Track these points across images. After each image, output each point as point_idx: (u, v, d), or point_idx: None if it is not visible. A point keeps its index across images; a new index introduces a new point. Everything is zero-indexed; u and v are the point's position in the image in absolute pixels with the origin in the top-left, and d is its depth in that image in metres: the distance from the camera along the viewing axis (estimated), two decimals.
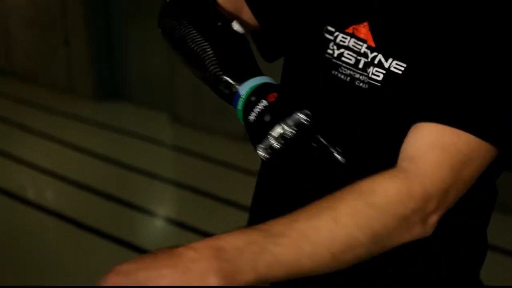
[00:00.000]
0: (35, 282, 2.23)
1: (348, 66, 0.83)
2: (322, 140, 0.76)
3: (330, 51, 0.84)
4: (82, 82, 4.60)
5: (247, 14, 0.91)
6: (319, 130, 0.76)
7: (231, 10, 0.90)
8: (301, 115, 0.74)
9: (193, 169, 3.41)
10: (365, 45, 0.83)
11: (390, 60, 0.80)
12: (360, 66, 0.82)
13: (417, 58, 0.79)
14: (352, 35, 0.84)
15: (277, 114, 0.74)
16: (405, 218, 0.70)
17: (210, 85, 0.83)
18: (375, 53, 0.81)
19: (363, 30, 0.84)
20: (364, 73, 0.82)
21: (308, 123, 0.74)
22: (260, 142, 0.74)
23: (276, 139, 0.74)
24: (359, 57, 0.83)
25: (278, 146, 0.74)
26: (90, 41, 4.46)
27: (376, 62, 0.81)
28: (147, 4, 4.24)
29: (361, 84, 0.82)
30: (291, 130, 0.73)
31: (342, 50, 0.84)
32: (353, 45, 0.84)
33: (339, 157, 0.76)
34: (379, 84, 0.80)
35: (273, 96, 0.75)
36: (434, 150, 0.72)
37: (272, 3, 0.91)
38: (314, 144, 0.76)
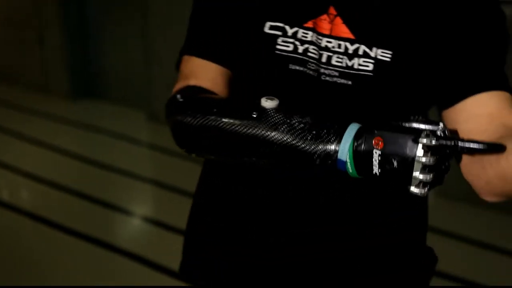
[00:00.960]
0: (10, 282, 2.21)
1: (313, 61, 0.83)
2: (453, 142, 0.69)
3: (282, 47, 0.84)
4: (57, 81, 4.55)
5: (223, 77, 0.89)
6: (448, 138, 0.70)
7: (216, 86, 0.87)
8: (424, 140, 0.67)
9: (171, 167, 3.39)
10: (327, 40, 0.84)
11: (374, 49, 0.82)
12: (324, 60, 0.83)
13: (401, 43, 0.82)
14: (313, 30, 0.84)
15: (403, 151, 0.68)
16: None
17: (290, 164, 0.77)
18: (356, 45, 0.83)
19: (325, 23, 0.84)
20: (329, 67, 0.83)
21: (438, 140, 0.68)
22: (410, 184, 0.69)
23: (423, 173, 0.68)
24: (321, 52, 0.83)
25: (430, 178, 0.68)
26: (64, 39, 4.41)
27: (360, 53, 0.82)
28: (122, 3, 4.21)
29: (327, 78, 0.83)
30: (429, 160, 0.68)
31: (306, 45, 0.83)
32: (316, 40, 0.84)
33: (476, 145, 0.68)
34: (371, 74, 0.82)
35: (377, 140, 0.70)
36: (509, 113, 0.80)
37: (224, 41, 0.88)
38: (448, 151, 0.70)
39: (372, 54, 0.82)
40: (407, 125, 0.70)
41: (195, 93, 0.85)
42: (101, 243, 2.51)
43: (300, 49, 0.83)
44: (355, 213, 0.92)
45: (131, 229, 2.83)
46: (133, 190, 3.17)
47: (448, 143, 0.67)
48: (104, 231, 2.64)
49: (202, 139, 0.80)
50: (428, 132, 0.67)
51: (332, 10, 0.84)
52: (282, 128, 0.74)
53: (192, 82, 0.86)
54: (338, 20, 0.84)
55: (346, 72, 0.83)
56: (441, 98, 0.84)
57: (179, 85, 0.87)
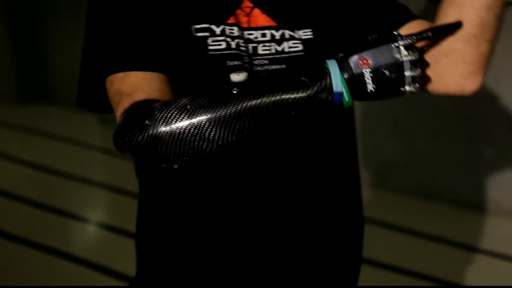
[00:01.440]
0: None
1: (245, 54, 0.86)
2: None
3: (215, 46, 0.84)
4: (5, 85, 4.43)
5: (168, 85, 0.85)
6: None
7: (166, 96, 0.82)
8: (399, 41, 0.76)
9: (124, 171, 3.36)
10: (248, 32, 0.87)
11: (297, 31, 0.88)
12: (251, 51, 0.86)
13: (316, 18, 0.89)
14: (236, 25, 0.86)
15: (390, 60, 0.75)
16: None
17: (301, 109, 0.78)
18: (281, 31, 0.88)
19: (242, 17, 0.87)
20: (258, 57, 0.86)
21: (414, 36, 0.78)
22: (403, 85, 0.76)
23: (411, 70, 0.75)
24: (247, 44, 0.86)
25: (419, 72, 0.77)
26: (10, 41, 4.30)
27: (287, 37, 0.87)
28: (68, 3, 4.13)
29: (258, 68, 0.86)
30: (413, 56, 0.76)
31: (236, 40, 0.86)
32: (241, 34, 0.86)
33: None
34: (302, 53, 0.87)
35: (362, 61, 0.75)
36: None
37: (159, 50, 0.85)
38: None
39: (297, 35, 0.88)
40: (373, 38, 0.77)
41: (150, 105, 0.77)
42: (54, 251, 2.47)
43: (233, 44, 0.85)
44: (313, 202, 0.96)
45: (85, 235, 2.79)
46: (86, 195, 3.13)
47: (424, 34, 0.78)
48: (57, 238, 2.59)
49: (195, 140, 0.74)
50: (402, 35, 0.76)
51: (248, 3, 0.88)
52: (272, 88, 0.75)
53: (139, 97, 0.79)
54: (257, 11, 0.88)
55: (278, 58, 0.87)
56: None
57: (124, 105, 0.79)
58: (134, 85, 0.81)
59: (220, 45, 0.85)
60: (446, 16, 0.84)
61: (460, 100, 2.70)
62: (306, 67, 0.78)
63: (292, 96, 0.75)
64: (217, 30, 0.85)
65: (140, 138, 0.74)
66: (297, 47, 0.88)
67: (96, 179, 3.26)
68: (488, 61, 0.87)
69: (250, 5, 0.88)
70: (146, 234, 1.02)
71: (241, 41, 0.86)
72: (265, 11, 0.88)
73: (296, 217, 0.96)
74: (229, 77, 0.77)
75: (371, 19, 0.91)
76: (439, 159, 2.83)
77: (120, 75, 0.82)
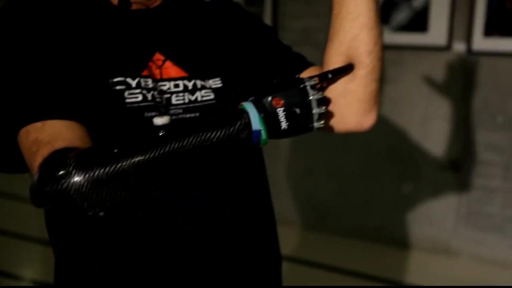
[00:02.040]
0: None
1: (161, 105, 0.88)
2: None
3: (131, 99, 0.85)
4: None
5: (88, 134, 0.82)
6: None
7: (87, 144, 0.80)
8: (306, 82, 0.82)
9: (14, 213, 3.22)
10: (161, 83, 0.89)
11: (207, 80, 0.92)
12: (165, 102, 0.88)
13: (224, 67, 0.95)
14: (150, 77, 0.88)
15: (299, 99, 0.81)
16: None
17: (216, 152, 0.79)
18: (193, 81, 0.92)
19: (154, 69, 0.89)
20: (172, 107, 0.89)
21: (318, 78, 0.85)
22: (312, 124, 0.82)
23: (318, 108, 0.82)
24: (162, 95, 0.88)
25: (325, 109, 0.83)
26: None
27: (199, 86, 0.92)
28: None
29: (173, 117, 0.88)
30: (319, 95, 0.82)
31: (152, 92, 0.87)
32: (155, 85, 0.89)
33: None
34: (214, 101, 0.92)
35: (276, 101, 0.80)
36: None
37: (78, 101, 0.83)
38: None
39: (208, 85, 0.92)
40: (279, 81, 0.84)
41: (71, 153, 0.74)
42: None
43: (149, 96, 0.87)
44: (236, 241, 0.97)
45: None
46: (19, 251, 2.97)
47: (325, 76, 0.87)
48: None
49: (118, 187, 0.71)
50: (306, 78, 0.83)
51: (160, 56, 0.91)
52: (196, 129, 0.77)
53: (60, 144, 0.76)
54: (169, 63, 0.91)
55: (191, 107, 0.90)
56: None
57: (43, 153, 0.75)
58: (54, 133, 0.77)
59: (136, 97, 0.85)
60: (336, 63, 0.93)
61: (391, 142, 2.78)
62: (220, 113, 0.83)
63: (215, 135, 0.77)
64: (133, 83, 0.86)
65: (58, 189, 0.70)
66: (209, 95, 0.92)
67: (28, 233, 3.11)
68: (378, 99, 0.97)
69: (162, 57, 0.91)
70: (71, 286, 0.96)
71: (155, 92, 0.88)
72: (176, 63, 0.91)
73: (230, 254, 0.96)
74: (150, 123, 0.77)
75: (273, 67, 0.99)
76: (374, 200, 2.89)
77: (38, 124, 0.78)
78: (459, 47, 2.51)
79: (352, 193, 2.95)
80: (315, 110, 0.81)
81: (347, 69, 0.92)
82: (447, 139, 2.67)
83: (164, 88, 0.89)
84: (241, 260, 0.99)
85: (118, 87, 0.85)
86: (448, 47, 2.51)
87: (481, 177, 2.64)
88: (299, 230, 3.08)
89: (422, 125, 2.70)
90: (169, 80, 0.90)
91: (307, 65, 1.02)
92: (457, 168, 2.68)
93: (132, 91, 0.85)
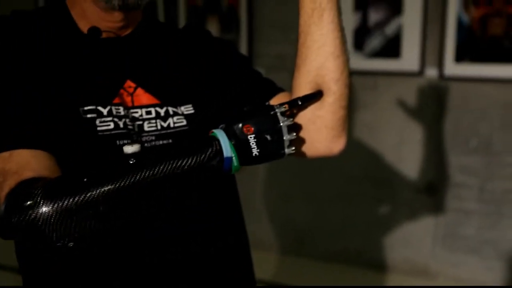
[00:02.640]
0: None
1: (133, 132, 0.88)
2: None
3: (103, 127, 0.85)
4: None
5: (57, 164, 0.82)
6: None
7: (56, 174, 0.79)
8: (276, 109, 0.83)
9: None
10: (133, 111, 0.90)
11: (179, 107, 0.93)
12: (137, 129, 0.89)
13: (195, 94, 0.95)
14: (121, 104, 0.89)
15: (270, 126, 0.82)
16: None
17: (189, 180, 0.79)
18: (165, 108, 0.92)
19: (126, 97, 0.90)
20: (145, 134, 0.89)
21: (288, 105, 0.86)
22: (283, 150, 0.83)
23: (289, 135, 0.83)
24: (134, 122, 0.89)
25: (294, 136, 0.84)
26: None
27: (171, 113, 0.92)
28: None
29: (146, 144, 0.88)
30: (289, 121, 0.83)
31: (124, 119, 0.88)
32: (127, 113, 0.89)
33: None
34: (187, 127, 0.92)
35: (246, 128, 0.81)
36: None
37: (49, 130, 0.83)
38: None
39: (180, 111, 0.93)
40: (250, 108, 0.85)
41: (38, 182, 0.73)
42: None
43: (121, 124, 0.87)
44: (208, 269, 0.97)
45: None
46: None
47: (295, 103, 0.88)
48: None
49: (87, 217, 0.70)
50: (276, 105, 0.84)
51: (131, 83, 0.91)
52: (167, 157, 0.77)
53: (27, 175, 0.74)
54: (140, 90, 0.91)
55: (164, 133, 0.90)
56: None
57: (10, 184, 0.73)
58: (21, 163, 0.76)
59: (108, 125, 0.86)
60: (304, 90, 0.94)
61: (367, 165, 2.81)
62: (192, 139, 0.83)
63: (186, 163, 0.76)
64: (104, 111, 0.87)
65: (26, 219, 0.69)
66: (181, 122, 0.92)
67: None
68: (346, 125, 0.98)
69: (133, 85, 0.91)
70: None
71: (127, 120, 0.88)
72: (148, 90, 0.91)
73: (202, 283, 0.97)
74: (122, 151, 0.76)
75: (243, 93, 1.00)
76: (352, 223, 2.91)
77: (5, 154, 0.77)
78: (431, 72, 2.57)
79: (330, 217, 2.96)
80: (286, 137, 0.82)
81: (316, 96, 0.93)
82: (422, 163, 2.71)
83: (136, 115, 0.90)
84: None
85: (89, 115, 0.85)
86: (420, 72, 2.57)
87: (456, 199, 2.68)
88: (278, 254, 3.07)
89: (397, 149, 2.74)
90: (141, 107, 0.90)
91: (276, 91, 1.03)
92: (433, 191, 2.72)
93: (103, 119, 0.86)
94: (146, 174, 0.73)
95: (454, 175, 2.66)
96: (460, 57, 2.47)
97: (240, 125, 0.80)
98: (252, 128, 0.80)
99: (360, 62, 2.66)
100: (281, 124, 0.82)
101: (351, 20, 2.64)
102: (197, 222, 0.95)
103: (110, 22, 0.90)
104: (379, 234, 2.88)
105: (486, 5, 2.40)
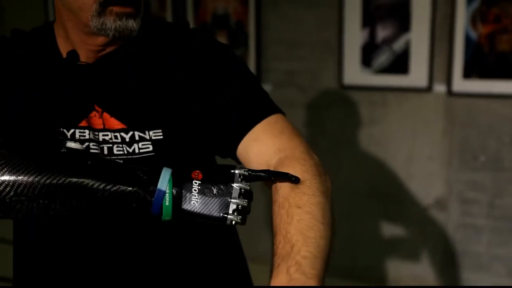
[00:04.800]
0: None
1: (99, 155, 0.88)
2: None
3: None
4: None
5: None
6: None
7: None
8: (237, 170, 0.75)
9: None
10: (103, 133, 0.89)
11: (147, 132, 0.90)
12: (106, 152, 0.89)
13: (166, 119, 0.91)
14: (88, 128, 0.89)
15: (222, 180, 0.74)
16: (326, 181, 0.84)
17: (100, 208, 0.73)
18: (131, 132, 0.90)
19: (96, 119, 0.90)
20: (113, 157, 0.87)
21: (244, 170, 0.76)
22: (226, 211, 0.73)
23: (239, 199, 0.74)
24: (101, 145, 0.89)
25: (246, 203, 0.74)
26: None
27: (137, 138, 0.90)
28: None
29: None
30: (245, 186, 0.74)
31: (86, 143, 0.88)
32: (93, 136, 0.89)
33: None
34: (153, 153, 0.89)
35: (195, 173, 0.73)
36: (280, 137, 0.87)
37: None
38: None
39: (147, 136, 0.90)
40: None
41: None
42: None
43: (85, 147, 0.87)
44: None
45: None
46: None
47: (259, 174, 0.77)
48: None
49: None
50: (240, 166, 0.76)
51: (98, 107, 0.91)
52: (102, 167, 0.72)
53: None
54: (106, 115, 0.91)
55: (130, 158, 0.89)
56: (222, 147, 0.93)
57: None
58: None
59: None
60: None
61: (377, 181, 2.81)
62: (158, 166, 0.77)
63: (107, 178, 0.71)
64: (68, 134, 0.89)
65: None
66: (147, 147, 0.90)
67: None
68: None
69: (100, 109, 0.91)
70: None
71: (92, 143, 0.88)
72: (113, 115, 0.91)
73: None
74: (65, 144, 0.74)
75: (219, 120, 0.92)
76: (360, 239, 2.89)
77: None
78: (439, 88, 2.57)
79: (338, 232, 2.95)
80: (234, 200, 0.74)
81: (289, 178, 0.79)
82: (431, 178, 2.70)
83: (107, 138, 0.90)
84: None
85: (56, 136, 0.88)
86: (429, 88, 2.58)
87: (466, 215, 2.67)
88: None
89: (406, 165, 2.73)
90: (110, 131, 0.90)
91: (260, 118, 0.91)
92: (442, 207, 2.71)
93: (65, 142, 0.85)
94: (64, 180, 0.70)
95: (463, 191, 2.65)
96: (468, 73, 2.48)
97: (191, 168, 0.74)
98: (201, 175, 0.74)
99: (368, 78, 2.67)
100: (234, 185, 0.74)
101: (359, 37, 2.65)
102: (181, 232, 0.95)
103: (91, 45, 0.91)
104: (387, 250, 2.87)
105: (494, 23, 2.41)
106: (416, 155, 2.70)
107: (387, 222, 2.84)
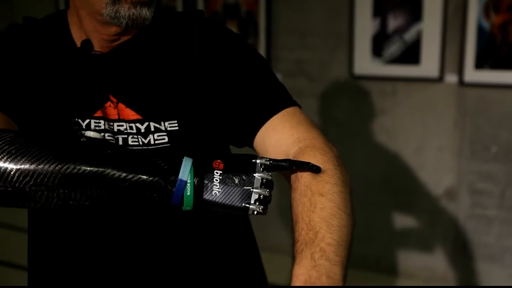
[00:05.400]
0: None
1: None
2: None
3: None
4: None
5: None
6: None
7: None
8: (258, 159, 0.74)
9: None
10: (117, 124, 0.89)
11: (163, 123, 0.90)
12: (121, 143, 0.89)
13: (182, 110, 0.90)
14: (103, 118, 0.90)
15: (243, 170, 0.73)
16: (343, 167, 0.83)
17: (124, 198, 0.72)
18: (146, 123, 0.89)
19: (111, 110, 0.90)
20: (129, 147, 0.86)
21: (265, 159, 0.75)
22: (248, 201, 0.72)
23: (261, 189, 0.73)
24: (116, 136, 0.89)
25: (267, 193, 0.74)
26: None
27: (152, 129, 0.90)
28: None
29: None
30: (267, 175, 0.74)
31: (101, 134, 0.88)
32: (108, 127, 0.90)
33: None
34: (168, 144, 0.89)
35: (216, 163, 0.73)
36: (298, 128, 0.87)
37: (15, 104, 0.87)
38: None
39: (163, 127, 0.90)
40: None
41: None
42: None
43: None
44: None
45: None
46: None
47: (281, 163, 0.76)
48: None
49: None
50: (261, 156, 0.75)
51: (113, 98, 0.91)
52: (125, 158, 0.71)
53: None
54: (122, 105, 0.91)
55: (145, 149, 0.89)
56: (239, 136, 0.92)
57: None
58: None
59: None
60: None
61: (387, 172, 2.80)
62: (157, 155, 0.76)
63: (127, 166, 0.71)
64: (83, 125, 0.89)
65: None
66: (163, 138, 0.89)
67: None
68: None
69: (115, 100, 0.91)
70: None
71: (107, 134, 0.89)
72: (128, 105, 0.90)
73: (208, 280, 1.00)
74: (83, 134, 0.74)
75: (237, 110, 0.91)
76: (371, 229, 2.90)
77: None
78: (451, 79, 2.56)
79: None
80: (256, 190, 0.73)
81: (309, 168, 0.79)
82: (442, 169, 2.69)
83: (121, 128, 0.90)
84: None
85: (72, 127, 0.88)
86: (440, 79, 2.56)
87: (477, 206, 2.66)
88: None
89: (417, 155, 2.73)
90: (125, 121, 0.90)
91: (279, 109, 0.91)
92: (453, 198, 2.70)
93: (82, 131, 0.87)
94: (80, 169, 0.69)
95: (474, 182, 2.64)
96: (480, 63, 2.46)
97: (213, 158, 0.74)
98: (222, 165, 0.73)
99: (379, 68, 2.65)
100: (255, 175, 0.73)
101: (369, 26, 2.63)
102: (197, 222, 0.96)
103: (104, 35, 0.90)
104: (398, 240, 2.87)
105: (507, 12, 2.39)
106: (427, 145, 2.69)
107: (398, 212, 2.84)
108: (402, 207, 2.82)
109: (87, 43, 0.91)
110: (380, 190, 2.83)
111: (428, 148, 2.69)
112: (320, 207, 0.74)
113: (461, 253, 2.73)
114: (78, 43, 0.92)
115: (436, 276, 2.79)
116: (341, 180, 0.79)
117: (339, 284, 0.67)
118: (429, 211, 2.75)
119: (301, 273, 0.68)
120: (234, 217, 1.00)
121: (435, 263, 2.80)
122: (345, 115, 2.82)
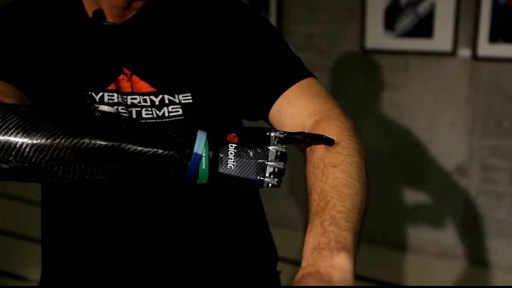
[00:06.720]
0: None
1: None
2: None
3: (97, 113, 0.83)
4: None
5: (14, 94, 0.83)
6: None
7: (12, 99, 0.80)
8: (272, 132, 0.74)
9: None
10: (131, 97, 0.89)
11: (177, 95, 0.89)
12: (134, 116, 0.89)
13: (196, 82, 0.90)
14: (116, 91, 0.89)
15: (257, 143, 0.73)
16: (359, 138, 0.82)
17: (140, 172, 0.72)
18: (160, 96, 0.89)
19: (124, 83, 0.89)
20: (142, 121, 0.82)
21: (280, 132, 0.75)
22: (263, 174, 0.73)
23: (276, 162, 0.73)
24: (130, 109, 0.88)
25: (282, 166, 0.74)
26: None
27: (167, 102, 0.89)
28: None
29: None
30: (281, 148, 0.74)
31: (115, 107, 0.88)
32: (122, 100, 0.89)
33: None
34: (182, 117, 0.89)
35: (231, 136, 0.73)
36: (314, 100, 0.87)
37: (25, 77, 0.87)
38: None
39: (177, 100, 0.89)
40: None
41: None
42: None
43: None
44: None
45: None
46: None
47: (295, 136, 0.76)
48: None
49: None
50: (274, 129, 0.75)
51: (126, 71, 0.90)
52: (143, 131, 0.71)
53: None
54: (135, 78, 0.90)
55: (159, 122, 0.89)
56: (254, 109, 0.92)
57: None
58: None
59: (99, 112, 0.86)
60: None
61: (397, 146, 2.79)
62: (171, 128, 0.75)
63: (151, 149, 0.70)
64: (97, 98, 0.88)
65: None
66: (177, 111, 0.89)
67: (31, 235, 3.13)
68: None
69: (128, 72, 0.90)
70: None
71: (120, 107, 0.88)
72: (143, 78, 0.89)
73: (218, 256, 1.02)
74: (97, 108, 0.73)
75: (252, 82, 0.91)
76: (380, 204, 2.90)
77: None
78: (464, 53, 2.52)
79: None
80: (271, 163, 0.73)
81: (324, 140, 0.79)
82: (453, 144, 2.68)
83: (135, 101, 0.89)
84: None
85: (85, 100, 0.88)
86: (453, 52, 2.53)
87: (487, 182, 2.65)
88: (304, 233, 3.09)
89: (428, 130, 2.71)
90: (139, 94, 0.89)
91: (294, 80, 0.90)
92: (463, 173, 2.69)
93: (96, 105, 0.86)
94: (94, 143, 0.68)
95: (485, 157, 2.62)
96: (494, 37, 2.42)
97: (227, 131, 0.73)
98: (237, 138, 0.73)
99: (391, 42, 2.62)
100: (270, 147, 0.73)
101: None
102: (209, 196, 0.97)
103: (115, 4, 0.88)
104: (407, 215, 2.87)
105: None
106: (439, 120, 2.67)
107: (408, 187, 2.84)
108: (412, 182, 2.82)
109: (99, 13, 0.90)
110: (390, 164, 2.83)
111: (439, 123, 2.68)
112: (332, 178, 0.74)
113: (471, 228, 2.73)
114: (90, 14, 0.91)
115: (445, 251, 2.80)
116: (355, 150, 0.79)
117: (349, 248, 0.67)
118: (440, 187, 2.75)
119: (311, 240, 0.68)
120: (246, 190, 1.01)
121: (444, 239, 2.80)
122: (356, 90, 2.80)
